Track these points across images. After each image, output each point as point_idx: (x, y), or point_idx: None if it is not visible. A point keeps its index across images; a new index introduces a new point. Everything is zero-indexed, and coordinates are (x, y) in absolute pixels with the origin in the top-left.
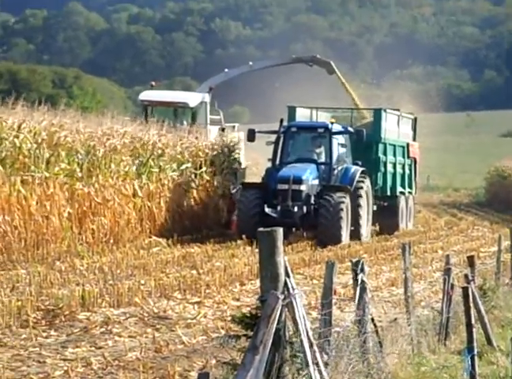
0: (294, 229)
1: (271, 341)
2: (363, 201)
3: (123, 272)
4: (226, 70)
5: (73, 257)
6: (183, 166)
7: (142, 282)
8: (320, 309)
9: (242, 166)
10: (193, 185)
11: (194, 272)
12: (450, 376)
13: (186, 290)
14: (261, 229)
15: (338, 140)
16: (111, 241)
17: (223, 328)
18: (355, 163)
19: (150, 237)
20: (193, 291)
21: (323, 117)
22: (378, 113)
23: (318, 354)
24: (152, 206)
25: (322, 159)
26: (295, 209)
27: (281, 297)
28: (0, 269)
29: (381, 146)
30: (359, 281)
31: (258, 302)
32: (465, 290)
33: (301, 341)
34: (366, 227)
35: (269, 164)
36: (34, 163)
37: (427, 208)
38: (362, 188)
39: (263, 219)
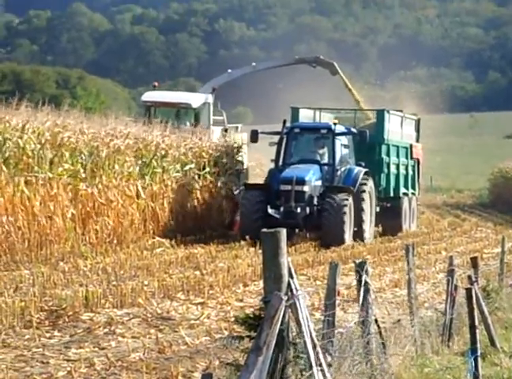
0: (297, 230)
1: (274, 342)
2: (366, 202)
3: (127, 272)
4: (229, 71)
5: (77, 258)
6: (187, 167)
7: (145, 282)
8: (323, 310)
9: (245, 167)
10: (196, 186)
11: (198, 272)
12: (454, 377)
13: (190, 290)
14: (264, 230)
15: (341, 141)
16: (115, 241)
17: (226, 329)
18: (358, 164)
19: (153, 237)
20: (197, 292)
21: (326, 118)
22: (381, 114)
23: (321, 355)
24: (156, 207)
25: (325, 160)
26: (298, 210)
27: (285, 298)
28: (3, 270)
29: (384, 147)
30: (363, 282)
31: (262, 303)
32: (469, 291)
33: (304, 342)
34: (369, 228)
35: (272, 165)
36: (37, 163)
37: (431, 209)
38: (365, 189)
39: (266, 220)
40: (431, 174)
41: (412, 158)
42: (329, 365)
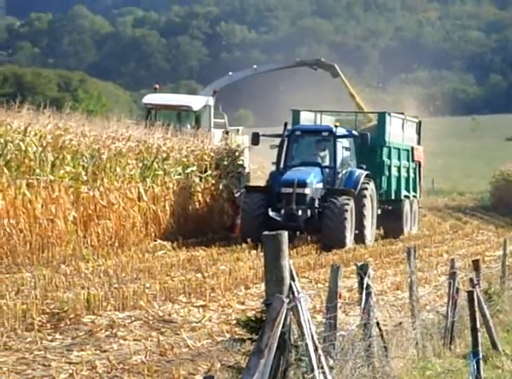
0: (298, 233)
1: (276, 345)
2: (367, 205)
3: (128, 275)
4: (230, 73)
5: (78, 261)
6: (188, 170)
7: (147, 285)
8: (325, 312)
9: (246, 170)
10: (198, 188)
11: (199, 275)
12: None
13: (191, 293)
14: (266, 232)
15: (342, 143)
16: (116, 244)
17: (228, 332)
18: (359, 167)
19: (155, 240)
20: (198, 295)
21: (327, 120)
22: (382, 116)
23: (323, 358)
24: (157, 209)
25: (327, 162)
26: (300, 213)
27: (286, 300)
28: (5, 272)
29: (385, 150)
30: (365, 285)
31: (263, 306)
32: (470, 294)
33: (306, 345)
34: (370, 231)
35: (274, 168)
36: (39, 166)
37: (432, 211)
38: (366, 192)
39: (267, 222)
40: (433, 177)
41: (413, 160)
42: (331, 368)
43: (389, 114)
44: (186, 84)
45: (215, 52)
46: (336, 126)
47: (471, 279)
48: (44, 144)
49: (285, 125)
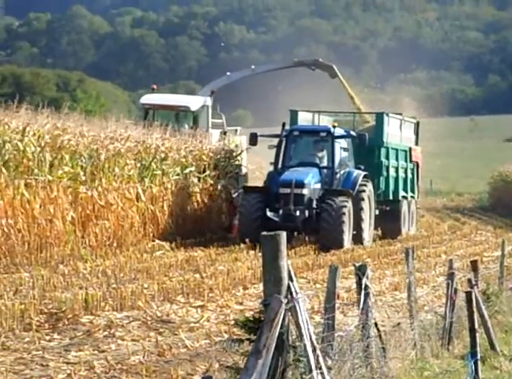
0: (296, 233)
1: (274, 345)
2: (365, 205)
3: (126, 275)
4: (228, 74)
5: (77, 261)
6: (187, 170)
7: (145, 285)
8: (323, 313)
9: (244, 170)
10: (196, 189)
11: (197, 275)
12: None
13: (190, 293)
14: (264, 233)
15: (340, 144)
16: (115, 244)
17: (226, 332)
18: (357, 167)
19: (153, 240)
20: (197, 295)
21: (325, 121)
22: (380, 117)
23: (321, 359)
24: (156, 210)
25: (324, 163)
26: (297, 213)
27: (284, 301)
28: (3, 272)
29: (383, 150)
30: (363, 285)
31: (261, 306)
32: (469, 294)
33: (304, 345)
34: (368, 232)
35: (272, 168)
36: (37, 166)
37: (431, 212)
38: (364, 192)
39: (265, 223)
40: (431, 178)
41: (411, 161)
42: (329, 369)
43: (388, 115)
44: (184, 85)
45: (213, 52)
46: (334, 127)
47: (469, 280)
48: (42, 144)
49: (283, 125)
